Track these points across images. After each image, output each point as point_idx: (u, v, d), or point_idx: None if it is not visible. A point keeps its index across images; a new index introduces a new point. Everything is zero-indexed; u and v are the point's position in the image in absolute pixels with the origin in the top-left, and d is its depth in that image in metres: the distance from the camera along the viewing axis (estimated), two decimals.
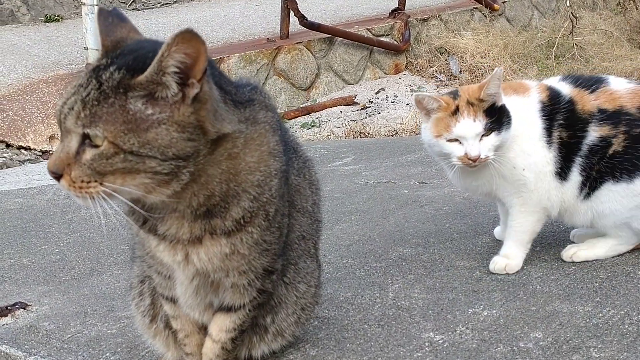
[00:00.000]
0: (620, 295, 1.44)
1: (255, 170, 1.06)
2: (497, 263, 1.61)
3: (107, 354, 1.44)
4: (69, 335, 1.55)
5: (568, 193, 1.56)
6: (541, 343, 1.27)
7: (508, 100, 1.56)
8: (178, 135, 0.96)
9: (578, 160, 1.54)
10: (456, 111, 1.51)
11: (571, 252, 1.63)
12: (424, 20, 6.90)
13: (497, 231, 1.81)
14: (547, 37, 6.87)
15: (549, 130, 1.55)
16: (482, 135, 1.50)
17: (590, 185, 1.54)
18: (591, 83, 1.58)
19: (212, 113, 0.99)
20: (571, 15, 6.65)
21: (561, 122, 1.55)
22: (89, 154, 0.95)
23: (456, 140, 1.51)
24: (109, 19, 1.04)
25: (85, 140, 0.95)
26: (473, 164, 1.51)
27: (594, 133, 1.53)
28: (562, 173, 1.55)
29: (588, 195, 1.55)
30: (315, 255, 1.34)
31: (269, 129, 1.10)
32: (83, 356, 1.44)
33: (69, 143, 0.96)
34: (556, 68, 6.26)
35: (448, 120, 1.51)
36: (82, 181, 0.96)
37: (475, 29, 6.95)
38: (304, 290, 1.27)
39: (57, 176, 0.97)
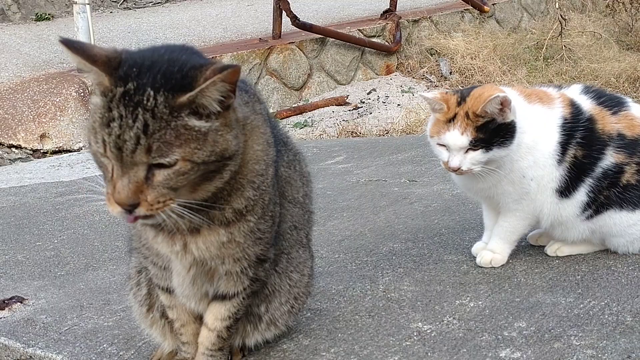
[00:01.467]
0: (601, 287, 1.49)
1: (260, 160, 1.11)
2: (484, 256, 1.66)
3: (104, 345, 1.47)
4: (66, 328, 1.58)
5: (568, 210, 1.56)
6: (524, 332, 1.32)
7: (531, 109, 1.54)
8: (229, 134, 1.01)
9: (588, 181, 1.53)
10: (452, 119, 1.49)
11: (555, 247, 1.68)
12: (415, 21, 6.97)
13: (477, 247, 1.72)
14: (536, 38, 6.96)
15: (564, 147, 1.53)
16: (469, 149, 1.48)
17: (596, 208, 1.55)
18: (614, 103, 1.57)
19: (238, 107, 1.07)
20: (560, 17, 6.73)
21: (579, 140, 1.53)
22: (160, 175, 0.97)
23: (444, 146, 1.52)
24: (75, 43, 1.02)
25: (152, 165, 0.97)
26: (455, 172, 1.52)
27: (610, 158, 1.53)
28: (566, 192, 1.54)
29: (591, 217, 1.56)
30: (308, 245, 1.38)
31: (264, 120, 1.15)
32: (80, 347, 1.47)
33: (135, 173, 0.97)
34: (545, 69, 6.35)
35: (442, 125, 1.50)
36: (159, 202, 0.98)
37: (465, 30, 7.03)
38: (297, 279, 1.31)
39: (132, 207, 0.98)
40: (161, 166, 0.97)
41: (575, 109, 1.55)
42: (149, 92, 0.96)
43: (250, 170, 1.10)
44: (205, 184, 1.03)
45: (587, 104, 1.56)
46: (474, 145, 1.47)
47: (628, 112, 1.57)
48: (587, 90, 1.60)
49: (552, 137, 1.54)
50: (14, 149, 4.78)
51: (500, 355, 1.25)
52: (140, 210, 0.98)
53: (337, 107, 5.86)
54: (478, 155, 1.48)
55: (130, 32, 6.43)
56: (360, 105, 5.86)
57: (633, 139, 1.54)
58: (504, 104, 1.46)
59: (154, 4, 7.69)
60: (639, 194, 1.55)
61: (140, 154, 0.96)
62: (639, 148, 1.54)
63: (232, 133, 1.02)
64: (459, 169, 1.49)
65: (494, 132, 1.47)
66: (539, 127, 1.54)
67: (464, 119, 1.48)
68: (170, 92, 0.97)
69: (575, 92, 1.60)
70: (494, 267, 1.65)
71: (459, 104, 1.51)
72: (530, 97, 1.58)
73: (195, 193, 1.03)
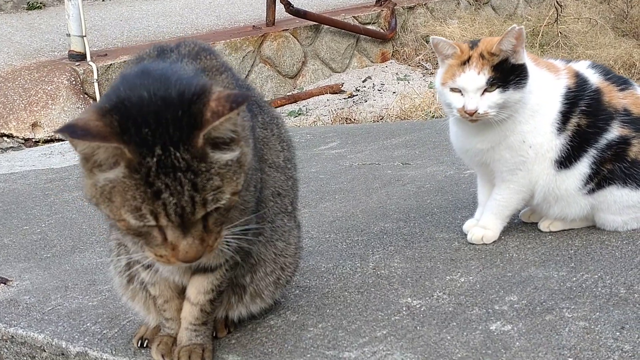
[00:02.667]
0: (595, 261, 1.46)
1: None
2: (475, 233, 1.63)
3: (88, 324, 1.44)
4: (50, 308, 1.55)
5: (567, 183, 1.53)
6: (516, 305, 1.30)
7: (539, 73, 1.53)
8: (248, 147, 1.02)
9: (592, 152, 1.51)
10: (467, 61, 1.48)
11: (548, 222, 1.65)
12: (410, 8, 6.92)
13: (469, 224, 1.70)
14: (532, 25, 6.91)
15: (566, 116, 1.51)
16: (485, 90, 1.47)
17: (598, 182, 1.52)
18: (621, 81, 1.57)
19: None
20: (556, 3, 6.69)
21: (583, 108, 1.51)
22: (212, 218, 0.96)
23: (459, 91, 1.50)
24: (78, 132, 0.91)
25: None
26: (470, 117, 1.48)
27: (615, 131, 1.50)
28: (566, 162, 1.52)
29: (592, 191, 1.53)
30: (293, 213, 1.34)
31: (229, 78, 1.13)
32: (63, 327, 1.44)
33: (196, 230, 0.95)
34: (541, 56, 6.30)
35: (456, 69, 1.49)
36: (216, 239, 0.98)
37: (461, 17, 6.98)
38: (282, 248, 1.28)
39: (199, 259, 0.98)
40: (214, 210, 0.96)
41: (580, 80, 1.55)
42: (174, 153, 0.91)
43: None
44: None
45: (595, 77, 1.56)
46: (491, 84, 1.46)
47: (634, 91, 1.57)
48: (595, 66, 1.60)
49: (554, 104, 1.52)
50: (5, 138, 4.74)
51: (491, 328, 1.22)
52: (206, 256, 0.98)
53: (332, 95, 5.82)
54: (495, 96, 1.47)
55: (122, 20, 6.36)
56: (355, 93, 5.82)
57: (638, 117, 1.53)
58: (518, 38, 1.46)
59: None
60: None
61: (199, 212, 0.94)
62: None
63: (245, 141, 1.01)
64: (475, 111, 1.47)
65: (508, 73, 1.47)
66: (543, 92, 1.53)
67: (479, 59, 1.48)
68: (189, 143, 0.91)
69: (582, 66, 1.60)
70: (486, 244, 1.62)
71: (471, 48, 1.51)
72: (539, 63, 1.58)
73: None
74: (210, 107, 0.92)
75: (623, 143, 1.51)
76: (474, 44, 1.52)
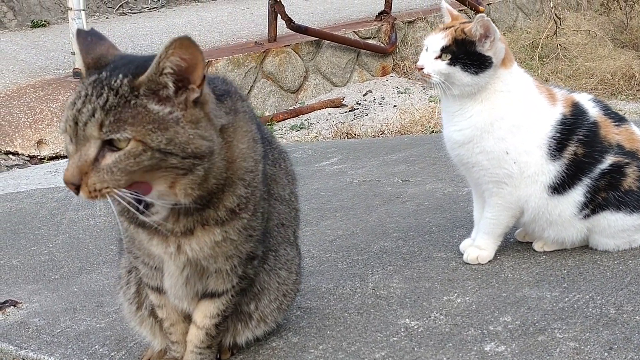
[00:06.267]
0: (587, 281, 1.50)
1: (247, 157, 1.13)
2: (470, 253, 1.68)
3: (96, 347, 1.48)
4: (59, 330, 1.60)
5: (561, 208, 1.57)
6: (510, 326, 1.34)
7: (533, 96, 1.59)
8: (194, 132, 1.01)
9: (586, 181, 1.55)
10: (446, 28, 1.59)
11: (542, 243, 1.70)
12: (410, 22, 6.99)
13: (465, 243, 1.74)
14: (532, 38, 6.98)
15: (561, 144, 1.55)
16: (437, 57, 1.56)
17: (593, 208, 1.57)
18: (617, 117, 1.63)
19: (213, 111, 1.06)
20: (555, 16, 6.75)
21: (581, 137, 1.55)
22: (110, 158, 0.98)
23: (426, 51, 1.61)
24: (88, 38, 1.09)
25: (105, 146, 0.98)
26: (418, 73, 1.59)
27: (608, 160, 1.56)
28: (560, 188, 1.56)
29: (587, 216, 1.58)
30: (295, 243, 1.40)
31: (248, 118, 1.17)
32: (73, 349, 1.49)
33: (86, 151, 0.98)
34: (540, 68, 6.36)
35: (435, 32, 1.61)
36: (95, 189, 0.98)
37: None
38: (285, 277, 1.33)
39: (76, 187, 0.98)
40: (113, 147, 0.98)
41: (578, 109, 1.60)
42: (119, 76, 1.00)
43: (239, 168, 1.11)
44: (178, 180, 1.02)
45: (594, 111, 1.61)
46: (445, 52, 1.55)
47: (629, 127, 1.63)
48: (596, 100, 1.66)
49: (543, 129, 1.57)
50: (10, 156, 4.80)
51: (485, 349, 1.26)
52: (82, 195, 0.98)
53: (334, 109, 5.88)
54: (441, 64, 1.56)
55: (127, 38, 6.45)
56: (356, 107, 5.89)
57: (630, 151, 1.59)
58: (486, 28, 1.52)
59: (150, 9, 7.72)
60: (638, 198, 1.57)
61: (92, 127, 0.97)
62: (637, 159, 1.59)
63: (199, 132, 1.02)
64: (422, 68, 1.58)
65: (467, 55, 1.54)
66: (530, 113, 1.57)
67: (449, 29, 1.58)
68: (134, 75, 1.00)
69: (584, 98, 1.65)
70: (481, 264, 1.66)
71: (464, 22, 1.60)
72: (541, 88, 1.64)
73: (174, 189, 1.03)
74: (159, 54, 1.00)
75: (617, 173, 1.56)
76: (468, 22, 1.61)
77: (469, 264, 1.67)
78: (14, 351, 1.52)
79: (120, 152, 0.97)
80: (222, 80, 1.21)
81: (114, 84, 0.99)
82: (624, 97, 5.63)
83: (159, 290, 1.26)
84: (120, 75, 1.00)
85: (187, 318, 1.28)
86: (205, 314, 1.23)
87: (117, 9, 7.50)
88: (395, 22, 6.76)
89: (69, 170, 0.98)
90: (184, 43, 0.98)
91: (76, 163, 0.98)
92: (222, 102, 1.12)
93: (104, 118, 0.97)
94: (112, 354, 1.44)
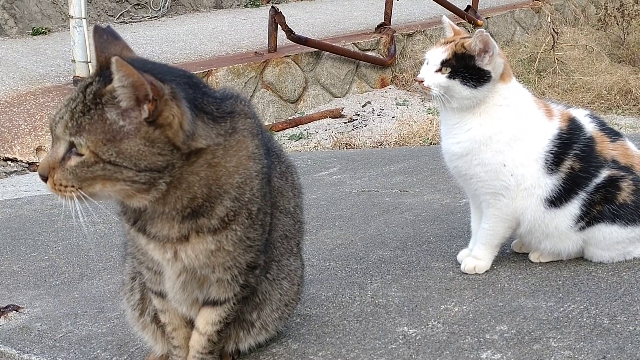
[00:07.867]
0: (581, 291, 1.53)
1: (234, 174, 1.14)
2: (467, 263, 1.70)
3: (98, 351, 1.50)
4: (61, 335, 1.61)
5: (557, 221, 1.60)
6: (505, 335, 1.37)
7: (531, 110, 1.61)
8: (147, 149, 1.04)
9: (582, 194, 1.58)
10: (447, 43, 1.62)
11: (538, 253, 1.72)
12: (409, 35, 7.07)
13: (462, 254, 1.77)
14: (529, 52, 7.05)
15: (558, 158, 1.58)
16: (437, 70, 1.59)
17: (588, 221, 1.60)
18: (613, 133, 1.66)
19: (181, 133, 1.06)
20: (552, 31, 6.83)
21: (577, 152, 1.58)
22: (73, 161, 1.04)
23: (427, 64, 1.64)
24: (104, 36, 1.13)
25: (72, 148, 1.05)
26: (419, 85, 1.62)
27: (604, 174, 1.59)
28: (557, 202, 1.58)
29: (583, 229, 1.61)
30: (298, 254, 1.42)
31: (247, 135, 1.17)
32: (75, 353, 1.51)
33: (57, 149, 1.06)
34: (538, 82, 6.43)
35: (436, 45, 1.65)
36: (61, 185, 1.05)
37: None
38: (288, 288, 1.35)
39: (44, 178, 1.07)
40: (76, 152, 1.04)
41: (574, 124, 1.63)
42: (94, 87, 1.05)
43: (224, 183, 1.13)
44: (135, 187, 1.06)
45: (591, 127, 1.64)
46: (445, 66, 1.58)
47: (624, 142, 1.66)
48: (593, 116, 1.68)
49: (540, 143, 1.59)
50: (10, 162, 4.82)
51: (482, 357, 1.29)
52: (47, 185, 1.07)
53: (333, 119, 5.93)
54: (441, 77, 1.59)
55: None
56: (355, 118, 5.93)
57: (625, 166, 1.62)
58: (485, 43, 1.55)
59: (151, 18, 7.78)
60: (632, 211, 1.60)
61: (60, 127, 1.05)
62: (631, 173, 1.62)
63: (152, 149, 1.04)
64: (422, 81, 1.61)
65: (467, 69, 1.57)
66: (528, 128, 1.60)
67: (450, 44, 1.61)
68: (104, 84, 1.05)
69: (581, 113, 1.68)
70: (478, 274, 1.69)
71: (464, 37, 1.64)
72: (539, 103, 1.66)
73: (125, 193, 1.07)
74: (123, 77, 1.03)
75: (613, 187, 1.59)
76: (463, 37, 1.64)
77: (466, 273, 1.70)
78: (17, 355, 1.54)
79: (80, 159, 1.04)
80: (234, 98, 1.21)
81: (88, 89, 1.05)
82: (620, 111, 5.70)
83: (162, 295, 1.28)
84: (99, 83, 1.05)
85: (190, 323, 1.30)
86: (207, 320, 1.25)
87: (118, 18, 7.55)
88: (394, 34, 6.83)
89: (41, 163, 1.08)
90: (123, 70, 1.01)
91: (47, 158, 1.07)
92: (218, 123, 1.12)
93: (68, 120, 1.04)
94: (114, 358, 1.46)
